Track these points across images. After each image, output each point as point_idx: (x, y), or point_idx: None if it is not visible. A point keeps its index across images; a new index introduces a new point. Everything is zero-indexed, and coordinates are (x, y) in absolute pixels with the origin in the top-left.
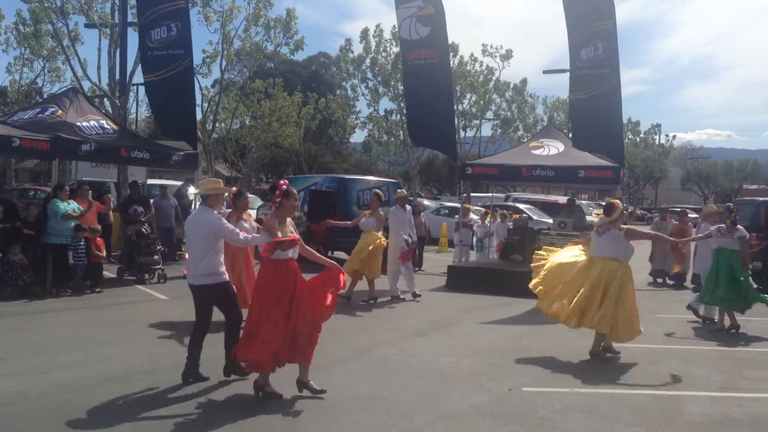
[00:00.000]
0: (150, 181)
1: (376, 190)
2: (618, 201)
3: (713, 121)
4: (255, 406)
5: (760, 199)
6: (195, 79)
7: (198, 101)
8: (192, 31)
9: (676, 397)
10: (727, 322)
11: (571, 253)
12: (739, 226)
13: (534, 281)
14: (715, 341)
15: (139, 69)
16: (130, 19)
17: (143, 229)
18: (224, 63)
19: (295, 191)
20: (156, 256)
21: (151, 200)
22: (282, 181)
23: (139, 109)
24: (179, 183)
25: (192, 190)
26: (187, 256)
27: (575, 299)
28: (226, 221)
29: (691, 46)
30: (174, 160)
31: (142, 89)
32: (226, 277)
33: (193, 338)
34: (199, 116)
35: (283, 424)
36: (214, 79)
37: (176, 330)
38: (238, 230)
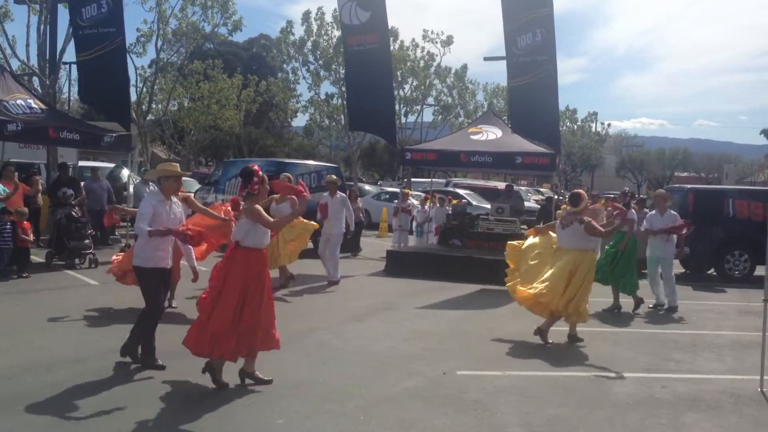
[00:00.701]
0: (81, 163)
1: (287, 174)
2: (583, 191)
3: (647, 110)
4: (184, 395)
5: (688, 186)
6: (129, 58)
7: (133, 81)
8: (126, 9)
9: (604, 378)
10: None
11: (538, 247)
12: (631, 210)
13: (510, 284)
14: (644, 324)
15: (70, 47)
16: None
17: (73, 213)
18: (160, 43)
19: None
20: (87, 240)
21: (82, 183)
22: (256, 168)
23: (72, 88)
24: (112, 165)
25: (125, 173)
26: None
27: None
28: (146, 206)
29: (628, 37)
30: (106, 142)
31: (74, 68)
32: (138, 261)
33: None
34: (134, 97)
35: (212, 412)
36: (151, 59)
37: (106, 316)
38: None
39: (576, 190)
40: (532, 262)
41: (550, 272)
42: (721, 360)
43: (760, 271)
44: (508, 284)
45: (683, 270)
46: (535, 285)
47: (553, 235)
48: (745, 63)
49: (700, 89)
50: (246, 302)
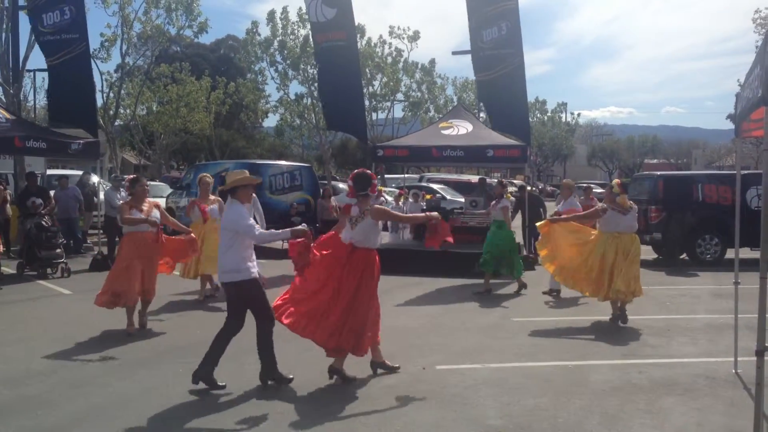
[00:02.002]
0: (50, 172)
1: (205, 175)
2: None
3: (616, 99)
4: (161, 405)
5: (658, 173)
6: (93, 63)
7: (99, 87)
8: (88, 14)
9: (582, 366)
10: (514, 286)
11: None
12: (504, 198)
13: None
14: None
15: (32, 55)
16: (21, 2)
17: (43, 222)
18: (125, 47)
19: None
20: (58, 250)
21: (52, 192)
22: (370, 173)
23: (38, 96)
24: (81, 172)
25: (94, 179)
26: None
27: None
28: (246, 216)
29: (594, 27)
30: (73, 149)
31: (39, 75)
32: (238, 276)
33: (217, 335)
34: (100, 102)
35: (197, 419)
36: (116, 64)
37: (81, 326)
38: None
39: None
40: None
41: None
42: (696, 343)
43: (731, 254)
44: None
45: (656, 255)
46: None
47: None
48: (709, 49)
49: (667, 76)
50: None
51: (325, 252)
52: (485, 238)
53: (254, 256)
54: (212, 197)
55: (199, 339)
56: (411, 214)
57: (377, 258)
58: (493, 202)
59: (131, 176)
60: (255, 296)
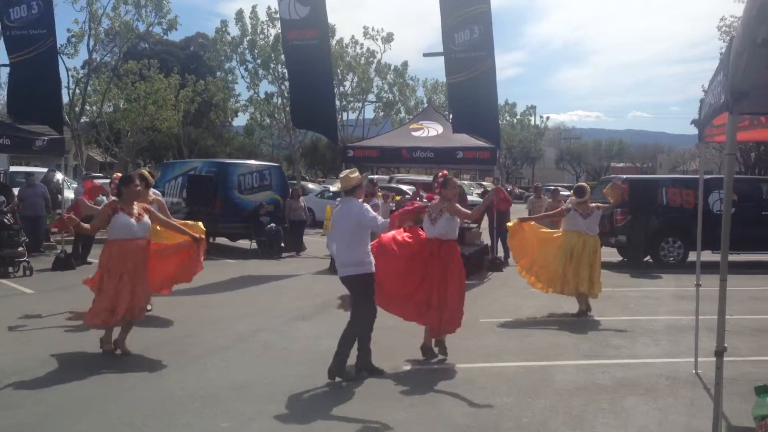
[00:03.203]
0: (13, 169)
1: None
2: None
3: (584, 103)
4: (126, 401)
5: (624, 176)
6: (60, 59)
7: (65, 83)
8: (56, 10)
9: (547, 366)
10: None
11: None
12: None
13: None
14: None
15: None
16: None
17: (5, 220)
18: (92, 43)
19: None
20: (20, 248)
21: (16, 189)
22: (441, 172)
23: (2, 92)
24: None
25: (59, 176)
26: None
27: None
28: (369, 208)
29: (563, 30)
30: (38, 146)
31: (4, 71)
32: (369, 268)
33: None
34: (66, 99)
35: (155, 416)
36: (83, 60)
37: (43, 326)
38: (375, 215)
39: (581, 184)
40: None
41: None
42: (658, 344)
43: (693, 257)
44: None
45: (621, 258)
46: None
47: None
48: (676, 55)
49: (634, 81)
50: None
51: (408, 249)
52: None
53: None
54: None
55: (163, 340)
56: (476, 209)
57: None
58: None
59: (118, 175)
60: (371, 290)
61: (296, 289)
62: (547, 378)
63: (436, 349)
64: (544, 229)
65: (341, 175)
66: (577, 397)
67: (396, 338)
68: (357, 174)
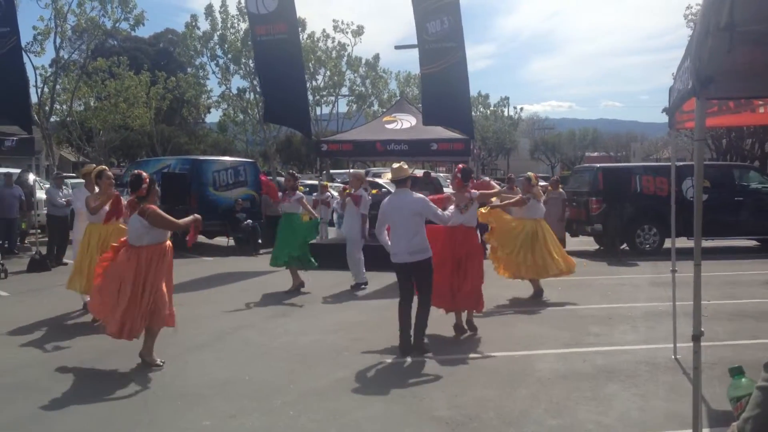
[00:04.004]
0: None
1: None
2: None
3: (556, 93)
4: (105, 400)
5: (598, 165)
6: (27, 58)
7: (33, 82)
8: (20, 7)
9: (528, 356)
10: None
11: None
12: (296, 192)
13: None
14: (562, 302)
15: None
16: None
17: None
18: (59, 40)
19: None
20: None
21: None
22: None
23: None
24: (18, 170)
25: (32, 177)
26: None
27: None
28: (429, 201)
29: (533, 22)
30: (7, 146)
31: None
32: (430, 252)
33: (402, 309)
34: (35, 98)
35: (136, 416)
36: (51, 59)
37: (20, 328)
38: (437, 208)
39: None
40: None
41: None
42: (637, 331)
43: (669, 243)
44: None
45: (597, 246)
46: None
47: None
48: (639, 45)
49: (603, 71)
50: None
51: (438, 239)
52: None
53: None
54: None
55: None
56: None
57: None
58: (282, 194)
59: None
60: (431, 273)
61: (276, 284)
62: (527, 367)
63: (465, 327)
64: (507, 217)
65: (393, 167)
66: (559, 385)
67: (375, 331)
68: (407, 167)
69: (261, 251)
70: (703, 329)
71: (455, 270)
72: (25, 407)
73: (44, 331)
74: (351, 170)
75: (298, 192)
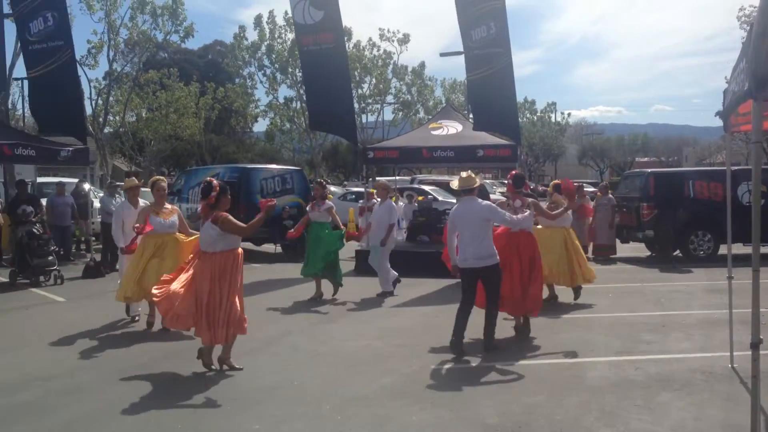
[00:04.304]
0: (40, 180)
1: (159, 178)
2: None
3: (604, 98)
4: (156, 405)
5: (649, 170)
6: (81, 70)
7: (88, 94)
8: (74, 22)
9: (578, 364)
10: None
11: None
12: (326, 201)
13: None
14: (614, 309)
15: (19, 62)
16: (6, 10)
17: (34, 230)
18: (112, 53)
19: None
20: (50, 257)
21: (44, 199)
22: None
23: (26, 104)
24: (74, 180)
25: (86, 187)
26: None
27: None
28: (497, 207)
29: (580, 26)
30: (63, 156)
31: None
32: (497, 258)
33: (460, 313)
34: (89, 110)
35: (187, 418)
36: (105, 71)
37: (74, 333)
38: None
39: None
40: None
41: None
42: (691, 339)
43: (724, 250)
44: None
45: (649, 253)
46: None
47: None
48: (694, 47)
49: (654, 75)
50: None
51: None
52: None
53: None
54: (169, 206)
55: (194, 344)
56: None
57: None
58: (310, 204)
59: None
60: (499, 278)
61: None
62: (578, 375)
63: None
64: (539, 226)
65: (462, 176)
66: (610, 393)
67: (420, 337)
68: (474, 176)
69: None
70: (761, 337)
71: (520, 274)
72: (79, 409)
73: (99, 336)
74: (377, 178)
75: (327, 201)
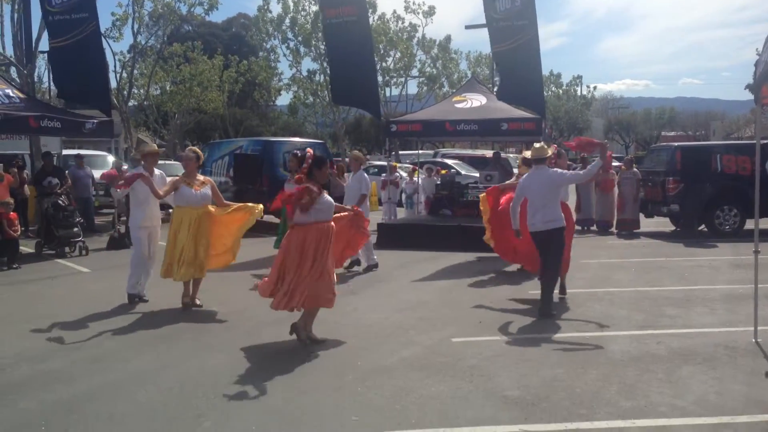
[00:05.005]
0: (65, 152)
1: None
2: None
3: (631, 71)
4: (178, 378)
5: (676, 144)
6: (106, 43)
7: (112, 67)
8: None
9: (599, 337)
10: None
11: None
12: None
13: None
14: (637, 283)
15: (45, 35)
16: None
17: (60, 202)
18: (136, 26)
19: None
20: (75, 229)
21: (67, 171)
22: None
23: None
24: (96, 153)
25: (110, 159)
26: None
27: None
28: (563, 171)
29: None
30: (88, 128)
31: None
32: (563, 222)
33: (544, 278)
34: (114, 83)
35: (210, 392)
36: (129, 44)
37: (99, 303)
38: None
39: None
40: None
41: None
42: (715, 313)
43: (750, 225)
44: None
45: (673, 227)
46: None
47: None
48: (725, 18)
49: (683, 47)
50: None
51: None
52: None
53: None
54: (201, 177)
55: (218, 316)
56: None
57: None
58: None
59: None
60: (561, 242)
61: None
62: (599, 349)
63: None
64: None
65: (535, 146)
66: (631, 367)
67: (440, 310)
68: (547, 147)
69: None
70: None
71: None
72: (104, 378)
73: (122, 306)
74: (352, 152)
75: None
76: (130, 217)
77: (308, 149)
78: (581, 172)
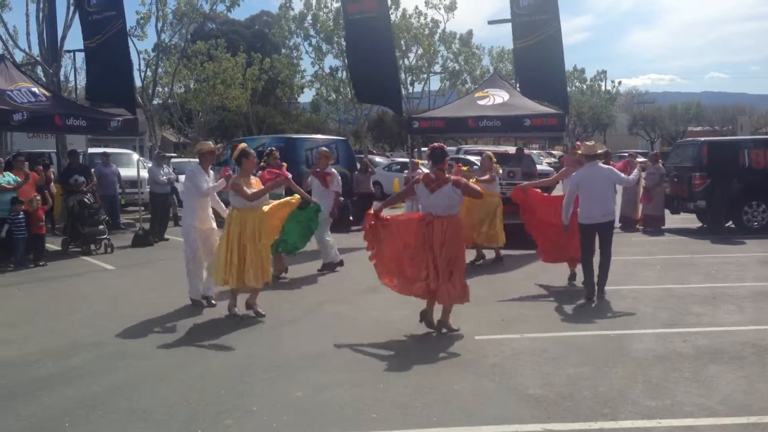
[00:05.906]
0: (91, 150)
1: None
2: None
3: (656, 66)
4: (200, 372)
5: (702, 139)
6: (130, 42)
7: (137, 66)
8: None
9: (623, 335)
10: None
11: None
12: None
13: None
14: (663, 280)
15: (71, 34)
16: None
17: (86, 199)
18: (160, 24)
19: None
20: (101, 226)
21: (92, 169)
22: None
23: (78, 76)
24: (122, 151)
25: (135, 157)
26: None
27: None
28: (616, 170)
29: None
30: (113, 127)
31: (79, 56)
32: (615, 216)
33: (585, 265)
34: (138, 81)
35: (230, 385)
36: (154, 43)
37: (123, 300)
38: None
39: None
40: None
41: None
42: (743, 311)
43: None
44: None
45: (700, 224)
46: None
47: None
48: (753, 11)
49: (709, 41)
50: None
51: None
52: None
53: None
54: (254, 179)
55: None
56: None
57: None
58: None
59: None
60: (612, 233)
61: (364, 261)
62: (624, 347)
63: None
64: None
65: (588, 144)
66: (657, 366)
67: (461, 308)
68: (599, 145)
69: (352, 228)
70: None
71: (561, 230)
72: (127, 374)
73: (146, 304)
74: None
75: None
76: (188, 213)
77: (441, 143)
78: (630, 177)
